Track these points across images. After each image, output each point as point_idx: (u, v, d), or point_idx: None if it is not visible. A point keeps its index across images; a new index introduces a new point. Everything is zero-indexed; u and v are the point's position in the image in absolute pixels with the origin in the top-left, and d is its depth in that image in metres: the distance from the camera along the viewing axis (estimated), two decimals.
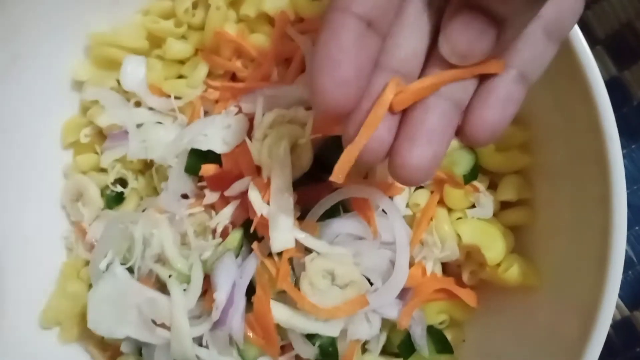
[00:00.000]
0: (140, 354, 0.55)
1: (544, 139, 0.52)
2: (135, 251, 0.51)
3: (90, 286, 0.57)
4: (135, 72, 0.58)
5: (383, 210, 0.52)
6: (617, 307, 0.65)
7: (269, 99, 0.51)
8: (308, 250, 0.50)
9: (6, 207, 0.58)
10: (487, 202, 0.53)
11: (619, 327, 0.64)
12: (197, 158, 0.51)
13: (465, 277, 0.55)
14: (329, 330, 0.49)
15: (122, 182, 0.60)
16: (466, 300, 0.54)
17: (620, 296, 0.64)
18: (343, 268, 0.49)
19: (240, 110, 0.54)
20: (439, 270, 0.55)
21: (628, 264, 0.65)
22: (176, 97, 0.58)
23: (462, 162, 0.52)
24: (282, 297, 0.50)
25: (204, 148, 0.52)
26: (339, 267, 0.48)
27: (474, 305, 0.54)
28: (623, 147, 0.64)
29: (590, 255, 0.46)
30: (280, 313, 0.49)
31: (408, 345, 0.53)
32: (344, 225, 0.51)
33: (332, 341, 0.51)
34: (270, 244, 0.47)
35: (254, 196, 0.48)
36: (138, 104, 0.59)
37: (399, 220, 0.51)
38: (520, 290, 0.53)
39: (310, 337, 0.51)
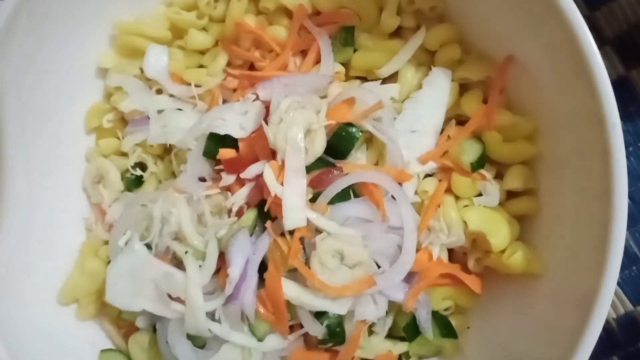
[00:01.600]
0: (154, 331, 0.57)
1: (550, 130, 0.53)
2: (154, 229, 0.54)
3: (108, 264, 0.59)
4: (158, 60, 0.61)
5: (392, 197, 0.54)
6: (621, 302, 0.66)
7: (286, 86, 0.53)
8: (318, 232, 0.52)
9: (30, 189, 0.60)
10: (493, 191, 0.55)
11: (623, 321, 0.65)
12: (215, 142, 0.54)
13: (470, 263, 0.56)
14: (336, 308, 0.51)
15: (142, 166, 0.63)
16: (471, 286, 0.55)
17: (624, 291, 0.66)
18: (352, 248, 0.50)
19: (257, 98, 0.56)
20: (445, 257, 0.56)
21: (633, 259, 0.66)
22: (196, 85, 0.60)
23: (470, 151, 0.54)
24: (293, 275, 0.52)
25: (222, 132, 0.54)
26: (348, 247, 0.50)
27: (479, 291, 0.56)
28: (629, 144, 0.67)
29: (590, 246, 0.48)
30: (290, 290, 0.51)
31: (413, 327, 0.55)
32: (354, 208, 0.53)
33: (340, 321, 0.53)
34: (283, 223, 0.49)
35: (269, 177, 0.50)
36: (159, 91, 0.61)
37: (407, 206, 0.53)
38: (523, 278, 0.54)
39: (319, 317, 0.53)
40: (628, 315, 0.65)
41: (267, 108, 0.55)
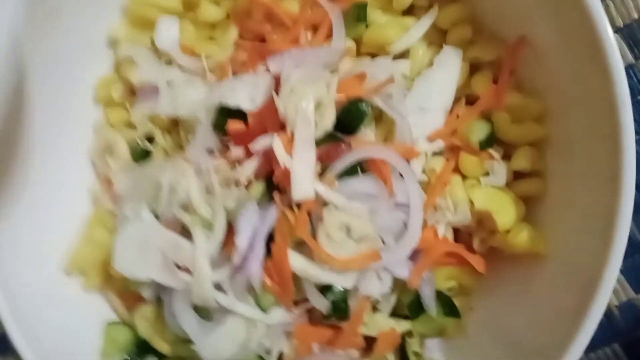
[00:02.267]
0: (160, 302, 0.57)
1: (559, 113, 0.53)
2: (162, 198, 0.54)
3: (115, 234, 0.59)
4: (169, 32, 0.61)
5: (400, 174, 0.54)
6: (624, 289, 0.66)
7: (296, 59, 0.53)
8: (326, 205, 0.52)
9: (38, 158, 0.60)
10: (500, 170, 0.55)
11: (625, 308, 0.66)
12: (225, 115, 0.54)
13: (475, 243, 0.57)
14: (342, 281, 0.51)
15: (150, 139, 0.63)
16: (475, 265, 0.56)
17: (627, 279, 0.66)
18: (359, 222, 0.51)
19: (268, 71, 0.56)
20: (450, 236, 0.57)
21: (636, 247, 0.66)
22: (206, 58, 0.60)
23: (479, 130, 0.55)
24: (299, 248, 0.52)
25: (232, 104, 0.54)
26: (355, 221, 0.51)
27: (483, 271, 0.56)
28: (636, 133, 0.66)
29: (595, 230, 0.48)
30: (296, 262, 0.51)
31: (417, 305, 0.56)
32: (361, 184, 0.53)
33: (344, 297, 0.53)
34: (291, 194, 0.49)
35: (278, 148, 0.50)
36: (169, 63, 0.61)
37: (414, 183, 0.53)
38: (526, 261, 0.55)
39: (324, 292, 0.53)
40: (630, 302, 0.66)
41: (277, 80, 0.55)
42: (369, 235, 0.51)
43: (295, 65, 0.54)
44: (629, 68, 0.67)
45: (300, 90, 0.51)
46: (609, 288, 0.46)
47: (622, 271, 0.65)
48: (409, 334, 0.58)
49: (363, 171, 0.54)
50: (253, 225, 0.50)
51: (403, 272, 0.54)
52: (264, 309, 0.52)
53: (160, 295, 0.56)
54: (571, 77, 0.51)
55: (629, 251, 0.65)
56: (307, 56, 0.55)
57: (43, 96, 0.59)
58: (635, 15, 0.67)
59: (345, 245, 0.51)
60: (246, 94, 0.55)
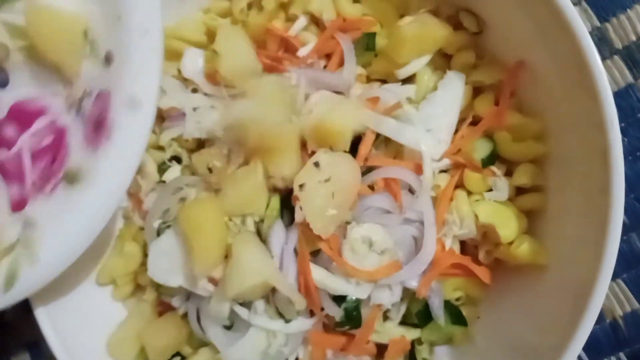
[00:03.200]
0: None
1: (556, 131, 0.57)
2: None
3: (144, 248, 0.64)
4: (194, 62, 0.66)
5: (409, 190, 0.58)
6: (628, 300, 0.68)
7: (310, 80, 0.58)
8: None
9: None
10: (503, 186, 0.58)
11: (629, 319, 0.68)
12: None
13: (481, 255, 0.60)
14: (358, 292, 0.55)
15: (177, 159, 0.68)
16: (481, 276, 0.59)
17: (631, 290, 0.68)
18: (380, 236, 0.55)
19: None
20: (457, 249, 0.60)
21: (639, 259, 0.68)
22: (227, 86, 0.65)
23: (482, 149, 0.58)
24: (315, 259, 0.56)
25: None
26: (375, 235, 0.55)
27: (488, 282, 0.59)
28: (637, 149, 0.70)
29: (590, 240, 0.51)
30: (315, 273, 0.55)
31: (425, 314, 0.59)
32: (373, 199, 0.57)
33: (357, 305, 0.57)
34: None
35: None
36: (195, 90, 0.67)
37: (428, 201, 0.57)
38: (529, 271, 0.58)
39: (337, 301, 0.57)
40: (634, 313, 0.68)
41: None
42: (389, 247, 0.55)
43: (309, 84, 0.59)
44: (628, 87, 0.70)
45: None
46: (602, 293, 0.49)
47: (625, 282, 0.68)
48: (418, 341, 0.61)
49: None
50: (281, 244, 0.55)
51: (412, 282, 0.57)
52: (288, 319, 0.56)
53: (188, 304, 0.61)
54: (565, 99, 0.54)
55: (633, 263, 0.68)
56: (319, 78, 0.59)
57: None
58: (634, 38, 0.70)
59: (369, 258, 0.55)
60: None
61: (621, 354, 0.67)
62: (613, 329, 0.68)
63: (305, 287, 0.55)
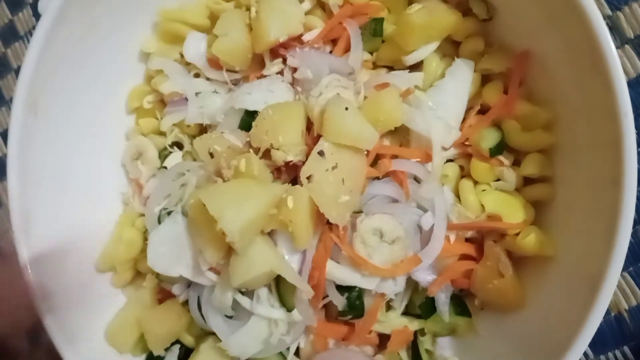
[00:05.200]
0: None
1: (566, 121, 0.56)
2: (188, 196, 0.57)
3: (144, 235, 0.63)
4: (197, 46, 0.65)
5: (415, 178, 0.57)
6: (634, 293, 0.67)
7: (313, 62, 0.57)
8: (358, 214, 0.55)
9: (70, 163, 0.64)
10: (510, 176, 0.57)
11: (635, 313, 0.67)
12: (250, 117, 0.57)
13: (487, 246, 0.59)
14: (366, 283, 0.55)
15: (178, 145, 0.67)
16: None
17: (637, 283, 0.67)
18: (390, 225, 0.54)
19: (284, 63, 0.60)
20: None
21: None
22: (230, 71, 0.64)
23: (490, 138, 0.57)
24: None
25: (249, 108, 0.58)
26: (385, 225, 0.54)
27: None
28: None
29: (600, 232, 0.50)
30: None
31: (429, 306, 0.58)
32: (380, 187, 0.56)
33: (359, 295, 0.56)
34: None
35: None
36: (197, 75, 0.66)
37: (439, 193, 0.56)
38: (535, 262, 0.57)
39: (341, 290, 0.56)
40: None
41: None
42: (400, 236, 0.54)
43: (311, 66, 0.58)
44: (639, 78, 0.69)
45: (329, 95, 0.54)
46: (611, 287, 0.48)
47: (631, 275, 0.67)
48: (421, 332, 0.60)
49: None
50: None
51: (424, 277, 0.57)
52: (289, 308, 0.55)
53: (189, 292, 0.60)
54: (576, 87, 0.53)
55: (639, 256, 0.67)
56: (325, 63, 0.58)
57: (78, 105, 0.64)
58: None
59: (380, 249, 0.54)
60: (262, 98, 0.58)
61: (625, 348, 0.66)
62: (618, 322, 0.67)
63: (317, 279, 0.54)
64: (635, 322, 0.67)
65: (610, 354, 0.66)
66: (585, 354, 0.67)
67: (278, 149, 0.54)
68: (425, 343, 0.60)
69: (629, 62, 0.69)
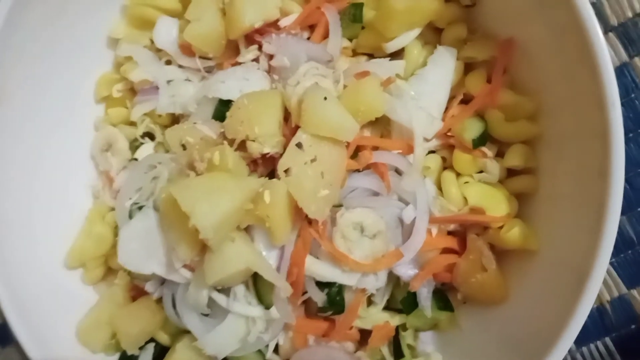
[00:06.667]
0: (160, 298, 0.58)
1: (551, 111, 0.54)
2: (160, 190, 0.55)
3: (115, 229, 0.61)
4: (168, 32, 0.62)
5: (396, 171, 0.55)
6: (616, 285, 0.67)
7: (291, 49, 0.55)
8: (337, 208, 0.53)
9: (37, 154, 0.61)
10: (493, 168, 0.56)
11: (616, 304, 0.67)
12: (224, 106, 0.55)
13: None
14: (346, 279, 0.53)
15: (150, 136, 0.64)
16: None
17: (619, 274, 0.67)
18: (370, 219, 0.52)
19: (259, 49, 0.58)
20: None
21: (629, 243, 0.67)
22: (203, 58, 0.61)
23: (473, 128, 0.55)
24: None
25: (223, 97, 0.55)
26: (366, 218, 0.52)
27: None
28: (629, 130, 0.68)
29: (586, 225, 0.49)
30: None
31: (411, 301, 0.57)
32: (360, 180, 0.54)
33: (340, 290, 0.54)
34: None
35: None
36: (169, 62, 0.63)
37: (420, 185, 0.54)
38: (519, 256, 0.56)
39: (321, 286, 0.54)
40: (622, 298, 0.66)
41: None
42: (381, 230, 0.53)
43: (288, 53, 0.55)
44: (623, 67, 0.68)
45: (307, 84, 0.52)
46: (598, 280, 0.47)
47: (614, 267, 0.66)
48: (402, 327, 0.59)
49: None
50: None
51: (406, 272, 0.55)
52: (266, 305, 0.54)
53: (163, 289, 0.58)
54: (562, 76, 0.51)
55: (622, 247, 0.67)
56: (303, 49, 0.56)
57: (45, 93, 0.61)
58: (630, 14, 0.68)
59: (361, 243, 0.52)
60: (236, 87, 0.56)
61: (607, 339, 0.66)
62: (600, 314, 0.66)
63: (296, 276, 0.52)
64: (617, 313, 0.66)
65: (592, 346, 0.66)
66: None
67: (254, 141, 0.52)
68: (407, 338, 0.58)
69: (612, 50, 0.68)
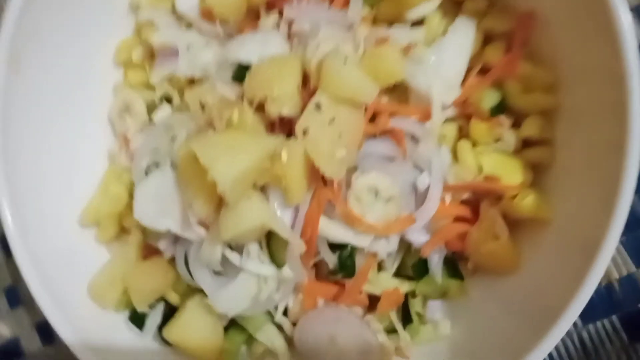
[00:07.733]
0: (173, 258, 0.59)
1: (569, 83, 0.54)
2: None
3: (130, 190, 0.61)
4: None
5: (412, 138, 0.56)
6: (625, 263, 0.67)
7: (313, 15, 0.55)
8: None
9: (61, 117, 0.62)
10: (510, 137, 0.56)
11: (624, 282, 0.67)
12: (243, 69, 0.55)
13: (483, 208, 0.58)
14: (359, 240, 0.53)
15: (168, 99, 0.65)
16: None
17: (628, 253, 0.67)
18: (385, 184, 0.53)
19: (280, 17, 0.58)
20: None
21: (639, 221, 0.67)
22: (224, 23, 0.61)
23: (490, 98, 0.56)
24: None
25: (243, 60, 0.56)
26: (381, 183, 0.52)
27: None
28: None
29: (599, 198, 0.49)
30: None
31: (422, 267, 0.57)
32: (376, 145, 0.55)
33: (351, 254, 0.55)
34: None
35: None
36: (189, 26, 0.63)
37: (436, 152, 0.55)
38: (531, 226, 0.56)
39: (333, 248, 0.55)
40: (630, 276, 0.66)
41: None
42: (395, 195, 0.53)
43: (311, 20, 0.56)
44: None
45: (327, 47, 0.52)
46: (608, 254, 0.47)
47: (623, 245, 0.66)
48: (412, 294, 0.59)
49: None
50: None
51: (418, 238, 0.56)
52: (280, 265, 0.54)
53: (175, 247, 0.58)
54: (581, 48, 0.51)
55: (632, 225, 0.66)
56: (323, 16, 0.56)
57: (66, 57, 0.62)
58: None
59: (375, 207, 0.53)
60: (256, 51, 0.56)
61: (614, 317, 0.66)
62: (608, 292, 0.66)
63: (309, 236, 0.53)
64: (625, 291, 0.66)
65: (599, 323, 0.66)
66: (574, 323, 0.66)
67: (272, 102, 0.53)
68: (416, 305, 0.59)
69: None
